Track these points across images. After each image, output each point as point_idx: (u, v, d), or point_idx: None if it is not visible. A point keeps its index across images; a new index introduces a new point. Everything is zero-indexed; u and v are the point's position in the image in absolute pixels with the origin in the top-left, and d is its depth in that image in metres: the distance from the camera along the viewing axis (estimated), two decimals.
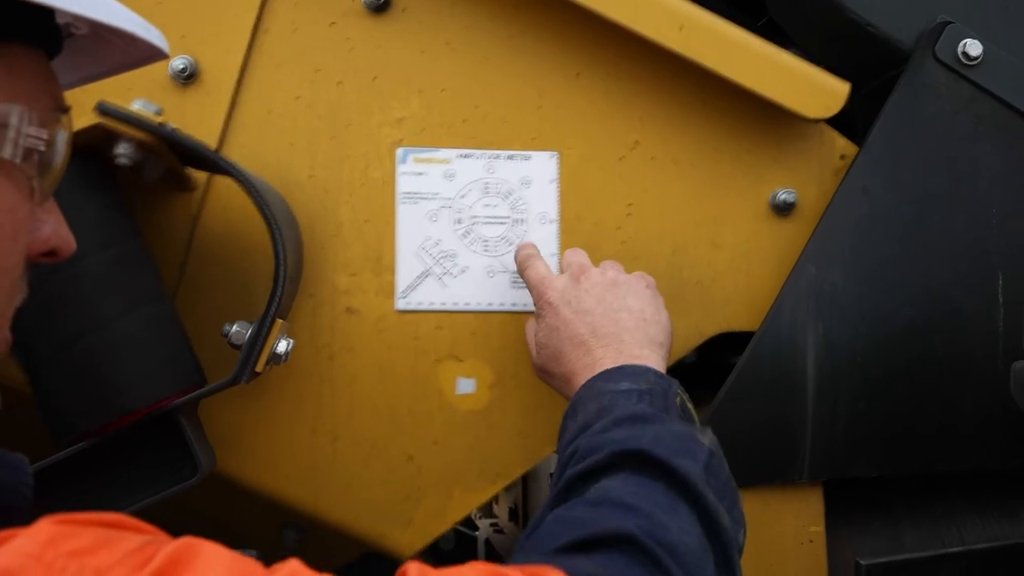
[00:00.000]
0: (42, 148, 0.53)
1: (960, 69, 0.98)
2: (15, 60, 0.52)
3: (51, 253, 0.57)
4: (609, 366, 0.79)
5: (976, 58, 0.98)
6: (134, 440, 0.84)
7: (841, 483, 0.96)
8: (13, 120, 0.51)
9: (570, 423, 0.76)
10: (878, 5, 0.99)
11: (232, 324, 0.86)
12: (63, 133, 0.56)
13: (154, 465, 0.86)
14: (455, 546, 1.65)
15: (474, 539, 1.71)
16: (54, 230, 0.57)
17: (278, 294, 0.83)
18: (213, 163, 0.85)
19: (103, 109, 0.80)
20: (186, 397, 0.84)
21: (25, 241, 0.54)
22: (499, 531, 1.63)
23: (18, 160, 0.52)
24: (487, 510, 1.74)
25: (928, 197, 0.97)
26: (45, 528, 0.38)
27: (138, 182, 0.89)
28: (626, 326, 0.83)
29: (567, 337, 0.84)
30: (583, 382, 0.79)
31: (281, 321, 0.85)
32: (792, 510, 0.95)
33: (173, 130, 0.82)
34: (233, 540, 1.20)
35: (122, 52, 0.62)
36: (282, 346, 0.85)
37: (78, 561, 0.36)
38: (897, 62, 1.00)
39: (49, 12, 0.52)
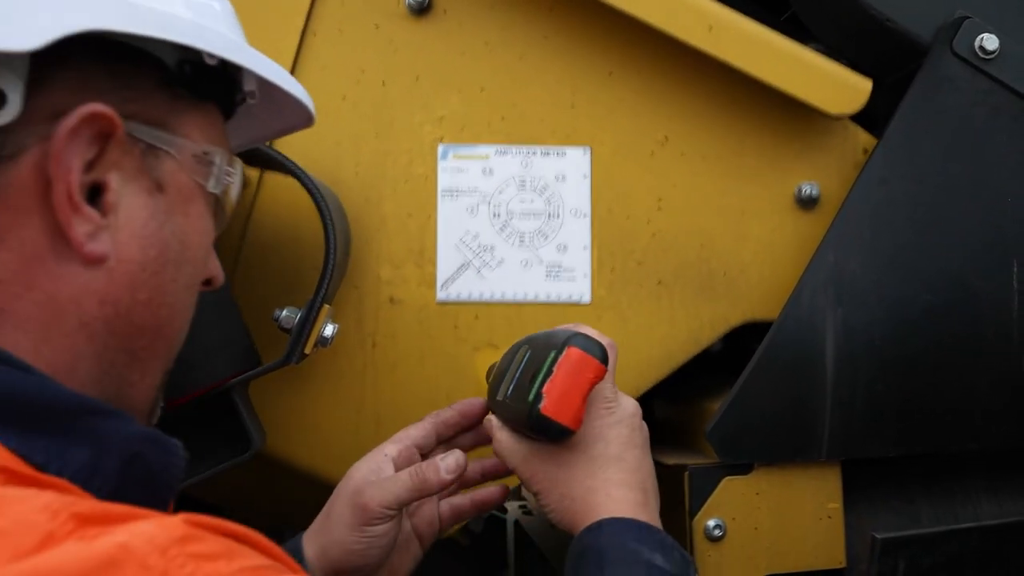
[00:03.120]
0: (231, 183, 0.64)
1: (977, 63, 1.01)
2: (214, 115, 0.63)
3: (208, 282, 0.67)
4: (635, 514, 0.73)
5: (993, 52, 1.01)
6: (192, 417, 0.90)
7: (859, 462, 1.00)
8: (217, 159, 0.62)
9: (592, 571, 0.68)
10: (897, 1, 1.02)
11: (282, 309, 0.91)
12: (239, 175, 0.66)
13: (210, 441, 0.91)
14: (485, 528, 1.70)
15: (503, 521, 1.76)
16: (214, 261, 0.67)
17: (327, 280, 0.88)
18: (270, 160, 0.91)
19: None
20: (241, 377, 0.90)
21: (207, 265, 0.65)
22: (528, 513, 1.68)
23: (218, 192, 0.63)
24: (516, 493, 1.79)
25: (945, 187, 1.01)
26: (178, 526, 0.40)
27: None
28: (651, 478, 0.79)
29: (594, 450, 0.77)
30: (607, 515, 0.72)
31: (328, 306, 0.90)
32: (811, 487, 0.98)
33: None
34: (279, 519, 1.26)
35: (264, 125, 0.76)
36: (329, 330, 0.91)
37: (196, 563, 0.38)
38: (916, 56, 1.03)
39: (237, 84, 0.65)
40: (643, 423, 0.81)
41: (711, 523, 0.94)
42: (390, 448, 0.85)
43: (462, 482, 0.88)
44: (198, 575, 0.38)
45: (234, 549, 0.41)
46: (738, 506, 0.96)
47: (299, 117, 0.73)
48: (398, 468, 0.83)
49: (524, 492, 1.79)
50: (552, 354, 0.74)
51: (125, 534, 0.38)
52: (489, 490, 0.89)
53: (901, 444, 0.98)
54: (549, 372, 0.74)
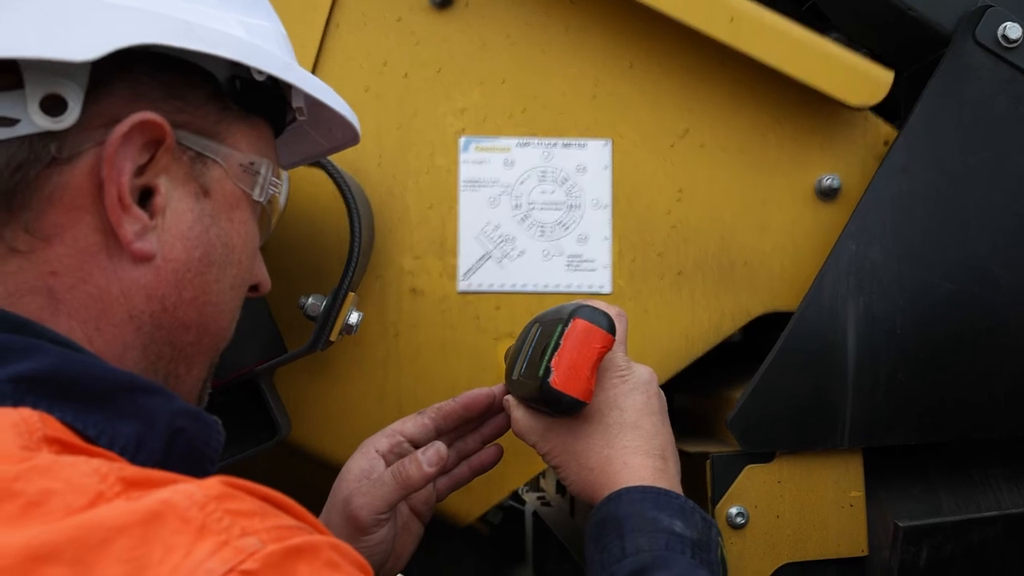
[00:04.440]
0: (277, 193, 0.68)
1: (1000, 52, 1.01)
2: (263, 129, 0.67)
3: (254, 288, 0.70)
4: (654, 481, 0.73)
5: (1015, 41, 1.01)
6: (219, 404, 0.91)
7: (881, 450, 1.00)
8: (262, 170, 0.65)
9: (612, 540, 0.69)
10: None
11: (308, 297, 0.93)
12: (285, 186, 0.70)
13: (237, 428, 0.93)
14: (503, 519, 1.71)
15: (521, 512, 1.77)
16: (261, 268, 0.71)
17: (352, 267, 0.90)
18: None
19: None
20: (268, 364, 0.92)
21: (253, 269, 0.68)
22: (546, 504, 1.69)
23: (263, 201, 0.66)
24: (534, 484, 1.80)
25: (967, 175, 1.00)
26: (216, 485, 0.43)
27: None
28: (669, 443, 0.79)
29: (609, 419, 0.77)
30: (625, 484, 0.73)
31: (353, 294, 0.92)
32: (833, 475, 0.98)
33: None
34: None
35: (315, 144, 0.79)
36: (354, 317, 0.92)
37: (232, 518, 0.41)
38: (938, 46, 1.03)
39: (286, 103, 0.68)
40: (660, 390, 0.82)
41: (733, 511, 0.95)
42: (381, 442, 0.85)
43: (453, 481, 0.89)
44: (234, 529, 0.40)
45: (268, 509, 0.44)
46: (760, 494, 0.96)
47: (346, 135, 0.76)
48: (389, 464, 0.84)
49: (543, 483, 1.80)
50: (559, 328, 0.75)
51: (168, 492, 0.41)
52: (485, 452, 0.90)
53: (922, 433, 0.98)
54: (557, 345, 0.74)
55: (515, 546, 1.75)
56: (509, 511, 1.74)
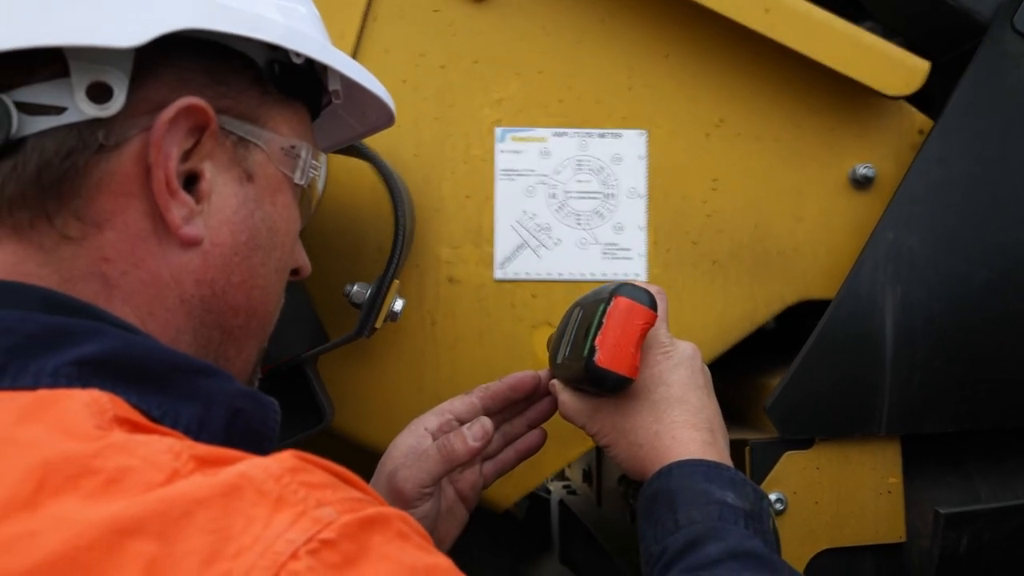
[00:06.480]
0: (317, 176, 0.68)
1: None
2: (301, 112, 0.67)
3: (295, 272, 0.71)
4: (703, 454, 0.73)
5: None
6: (264, 391, 0.93)
7: (918, 437, 1.01)
8: (303, 153, 0.66)
9: (664, 514, 0.70)
10: None
11: (353, 284, 0.94)
12: (324, 170, 0.71)
13: (283, 413, 0.94)
14: (529, 508, 1.73)
15: (547, 501, 1.78)
16: (301, 252, 0.71)
17: (397, 255, 0.91)
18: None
19: None
20: (316, 350, 0.93)
21: (295, 252, 0.69)
22: (572, 492, 1.70)
23: (304, 184, 0.66)
24: (559, 473, 1.81)
25: (1004, 164, 1.01)
26: (289, 459, 0.44)
27: None
28: (716, 416, 0.79)
29: (655, 395, 0.78)
30: (675, 458, 0.73)
31: (397, 281, 0.93)
32: (871, 462, 0.99)
33: None
34: None
35: (349, 128, 0.80)
36: (398, 304, 0.93)
37: (307, 490, 0.42)
38: (975, 34, 1.03)
39: (322, 86, 0.69)
40: (704, 365, 0.82)
41: (772, 497, 0.96)
42: (430, 421, 0.87)
43: (499, 466, 0.90)
44: (309, 500, 0.42)
45: (338, 483, 0.45)
46: (799, 480, 0.97)
47: (381, 117, 0.77)
48: None
49: (568, 472, 1.81)
50: (601, 307, 0.76)
51: (244, 466, 0.43)
52: (531, 436, 0.91)
53: (959, 420, 0.99)
54: (600, 324, 0.74)
55: (541, 535, 1.77)
56: (535, 500, 1.75)
